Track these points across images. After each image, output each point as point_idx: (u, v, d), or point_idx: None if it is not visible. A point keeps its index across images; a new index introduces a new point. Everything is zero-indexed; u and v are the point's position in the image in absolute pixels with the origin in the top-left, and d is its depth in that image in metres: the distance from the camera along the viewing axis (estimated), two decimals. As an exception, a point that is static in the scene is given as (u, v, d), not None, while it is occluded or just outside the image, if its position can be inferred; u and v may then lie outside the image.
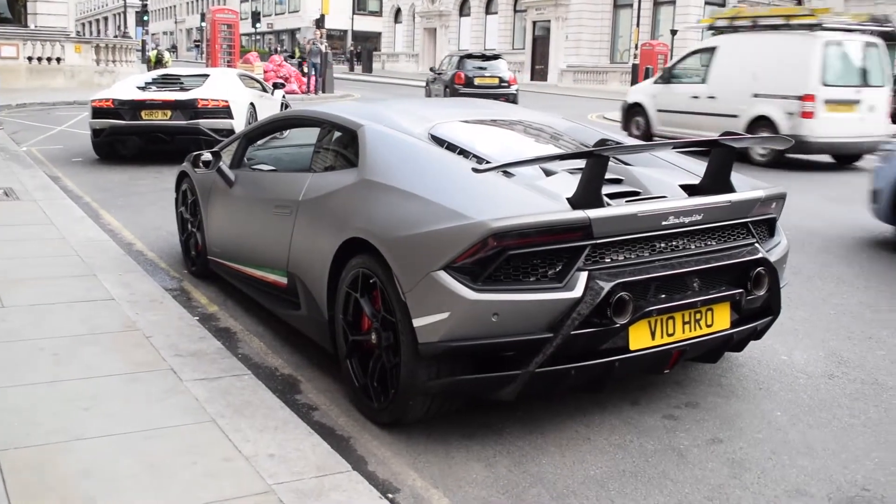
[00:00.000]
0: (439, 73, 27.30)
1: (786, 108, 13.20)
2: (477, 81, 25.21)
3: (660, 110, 15.65)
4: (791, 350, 5.01)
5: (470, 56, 26.98)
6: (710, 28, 15.98)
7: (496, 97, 22.05)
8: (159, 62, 34.67)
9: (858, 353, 5.00)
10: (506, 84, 25.52)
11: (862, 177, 10.44)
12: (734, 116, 13.77)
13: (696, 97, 14.77)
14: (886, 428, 4.01)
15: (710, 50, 14.92)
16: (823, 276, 6.77)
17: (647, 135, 15.54)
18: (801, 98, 13.02)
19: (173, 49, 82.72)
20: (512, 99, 24.41)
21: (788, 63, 13.36)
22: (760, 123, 13.47)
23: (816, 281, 6.59)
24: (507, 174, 3.92)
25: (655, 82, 16.39)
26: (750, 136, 4.07)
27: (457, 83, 25.19)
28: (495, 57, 27.06)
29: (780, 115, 13.23)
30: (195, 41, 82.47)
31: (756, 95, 13.62)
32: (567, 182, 3.80)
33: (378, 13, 74.41)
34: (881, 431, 3.97)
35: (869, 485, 3.47)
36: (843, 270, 6.99)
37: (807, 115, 12.96)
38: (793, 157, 13.33)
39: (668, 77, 15.86)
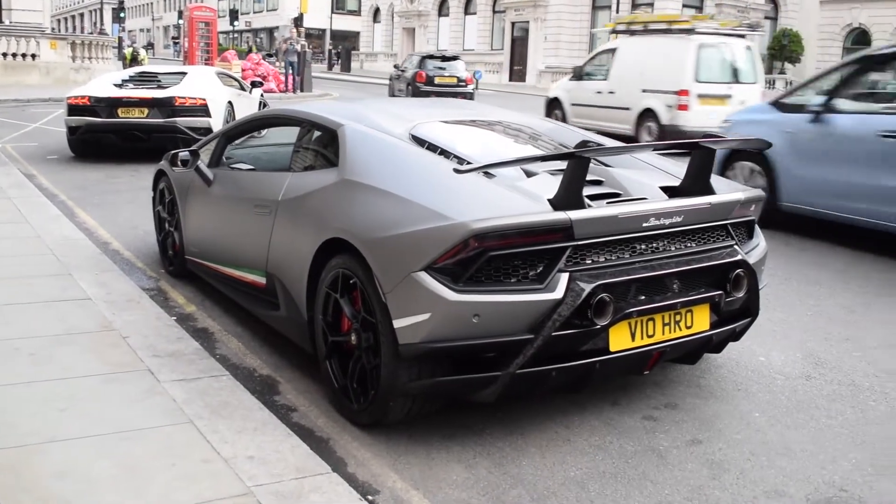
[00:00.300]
0: (402, 71, 29.36)
1: (666, 101, 15.03)
2: (437, 80, 27.43)
3: (573, 104, 17.60)
4: (769, 351, 5.04)
5: (430, 57, 29.20)
6: (613, 31, 18.20)
7: (454, 95, 25.08)
8: (135, 60, 34.42)
9: (835, 355, 5.04)
10: (463, 83, 27.82)
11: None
12: (628, 109, 15.80)
13: (599, 92, 16.74)
14: (863, 429, 4.04)
15: (612, 51, 16.97)
16: (801, 277, 6.82)
17: None
18: (677, 93, 14.85)
19: (150, 46, 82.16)
20: (469, 97, 26.39)
21: (668, 63, 15.23)
22: (648, 115, 15.43)
23: (794, 283, 6.64)
24: (488, 175, 3.92)
25: (570, 79, 18.29)
26: (730, 138, 4.13)
27: (418, 81, 27.38)
28: (454, 58, 29.52)
29: (662, 108, 15.08)
30: (173, 38, 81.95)
31: (644, 91, 15.50)
32: (548, 183, 3.80)
33: (357, 12, 74.24)
34: (858, 432, 4.00)
35: (846, 485, 3.49)
36: (820, 272, 7.04)
37: (682, 107, 14.79)
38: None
39: (580, 75, 17.74)
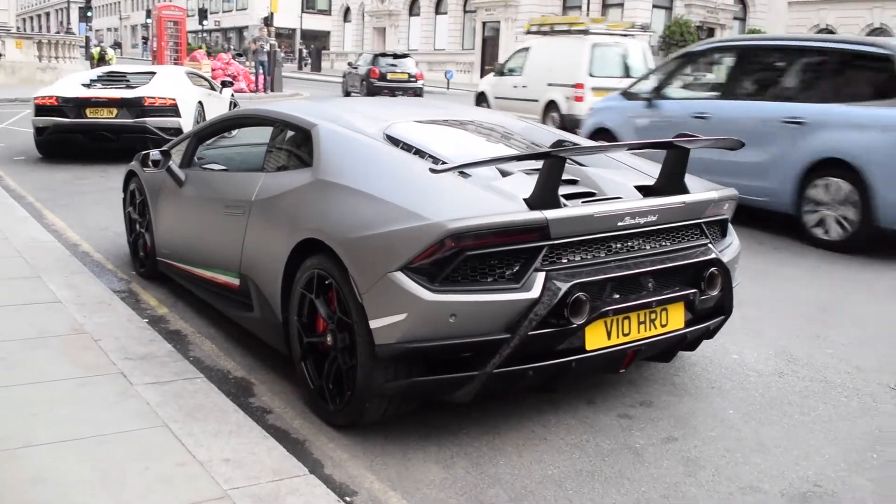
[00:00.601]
0: (355, 68, 31.59)
1: (566, 94, 16.63)
2: (389, 76, 29.55)
3: (496, 97, 19.16)
4: (742, 349, 5.08)
5: (383, 55, 31.50)
6: (528, 32, 20.05)
7: (405, 90, 28.15)
8: (102, 59, 34.00)
9: (807, 352, 5.09)
10: (413, 79, 30.01)
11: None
12: (536, 101, 17.36)
13: (516, 86, 18.43)
14: (836, 425, 4.09)
15: (526, 50, 18.79)
16: (773, 275, 6.89)
17: None
18: (574, 86, 16.45)
19: (117, 46, 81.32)
20: (419, 92, 28.81)
21: (567, 60, 16.92)
22: (551, 106, 17.06)
23: (767, 281, 6.69)
24: (463, 175, 3.91)
25: (494, 75, 20.18)
26: (704, 137, 4.15)
27: (372, 77, 29.42)
28: (405, 55, 31.95)
29: (563, 100, 16.68)
30: (143, 37, 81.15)
31: (550, 84, 17.15)
32: (524, 183, 3.80)
33: (327, 12, 73.94)
34: (830, 428, 4.05)
35: (820, 481, 3.53)
36: (792, 270, 7.12)
37: (578, 99, 16.30)
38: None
39: (502, 71, 19.67)
